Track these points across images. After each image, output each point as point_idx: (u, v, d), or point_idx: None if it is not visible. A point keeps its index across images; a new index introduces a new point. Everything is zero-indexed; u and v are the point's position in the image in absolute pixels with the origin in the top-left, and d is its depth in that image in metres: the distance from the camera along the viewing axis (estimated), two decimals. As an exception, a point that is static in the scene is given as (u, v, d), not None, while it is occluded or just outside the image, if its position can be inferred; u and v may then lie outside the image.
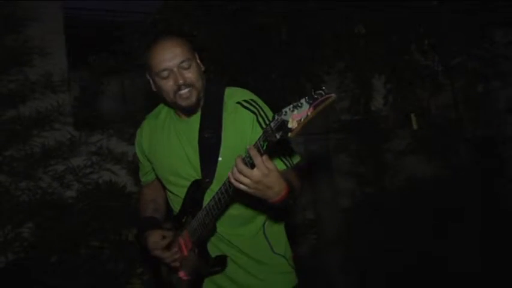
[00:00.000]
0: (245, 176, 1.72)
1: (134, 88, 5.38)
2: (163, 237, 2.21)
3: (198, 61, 2.15)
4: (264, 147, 1.67)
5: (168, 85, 2.06)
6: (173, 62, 2.04)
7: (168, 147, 2.23)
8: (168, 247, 2.21)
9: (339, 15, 4.18)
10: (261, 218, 2.23)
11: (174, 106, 2.16)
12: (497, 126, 5.76)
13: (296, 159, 2.13)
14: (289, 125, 1.54)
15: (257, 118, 2.08)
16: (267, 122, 1.93)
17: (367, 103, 5.17)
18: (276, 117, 1.59)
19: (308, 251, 5.25)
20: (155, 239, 2.20)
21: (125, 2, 5.62)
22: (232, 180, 1.75)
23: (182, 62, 2.05)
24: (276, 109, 1.68)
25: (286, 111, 1.55)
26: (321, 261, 5.05)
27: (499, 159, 5.48)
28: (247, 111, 2.10)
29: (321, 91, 1.50)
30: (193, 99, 2.08)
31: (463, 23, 4.37)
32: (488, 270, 4.71)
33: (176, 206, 2.29)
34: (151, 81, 2.15)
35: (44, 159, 4.42)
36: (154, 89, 2.15)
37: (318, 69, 4.78)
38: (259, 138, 1.69)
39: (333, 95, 1.49)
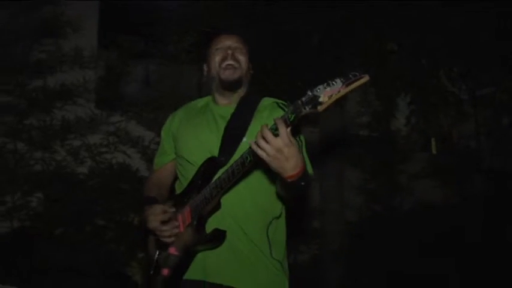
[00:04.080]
0: (268, 142, 1.74)
1: (159, 75, 5.40)
2: (164, 212, 2.16)
3: (250, 65, 2.26)
4: (291, 119, 1.70)
5: (218, 57, 2.19)
6: (230, 42, 2.21)
7: (201, 125, 2.26)
8: (166, 222, 2.16)
9: (373, 29, 4.16)
10: (269, 215, 2.21)
11: (217, 80, 2.23)
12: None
13: (309, 169, 2.09)
14: (320, 99, 1.61)
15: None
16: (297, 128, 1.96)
17: (388, 121, 5.15)
18: (309, 92, 1.64)
19: (309, 260, 5.23)
20: (155, 211, 2.16)
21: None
22: (254, 146, 1.77)
23: (237, 48, 2.21)
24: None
25: (319, 88, 1.61)
26: (320, 272, 5.03)
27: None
28: (281, 110, 2.14)
29: (355, 72, 1.57)
30: (237, 75, 2.20)
31: (495, 54, 4.34)
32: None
33: (182, 188, 2.27)
34: (205, 68, 2.27)
35: (62, 132, 4.46)
36: (205, 74, 2.28)
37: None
38: (287, 111, 1.72)
39: (367, 76, 1.57)
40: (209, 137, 2.21)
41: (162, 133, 2.42)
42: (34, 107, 4.36)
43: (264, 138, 1.74)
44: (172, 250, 2.15)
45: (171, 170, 2.40)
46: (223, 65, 2.19)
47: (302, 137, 2.16)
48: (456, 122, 4.90)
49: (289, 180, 1.81)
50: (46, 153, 4.42)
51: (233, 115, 2.22)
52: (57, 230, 4.15)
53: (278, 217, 2.22)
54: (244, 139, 2.14)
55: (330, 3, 4.40)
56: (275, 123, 1.73)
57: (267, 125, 1.76)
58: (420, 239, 4.90)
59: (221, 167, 2.12)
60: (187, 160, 2.26)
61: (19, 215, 4.25)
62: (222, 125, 2.22)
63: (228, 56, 2.19)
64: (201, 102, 2.40)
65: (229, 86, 2.22)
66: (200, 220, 2.11)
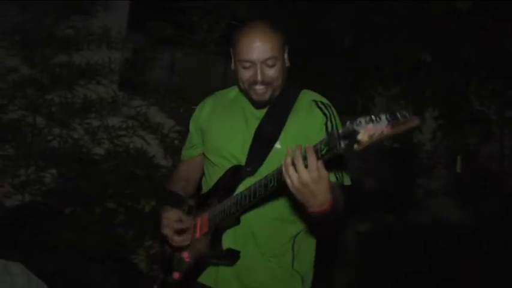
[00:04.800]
0: (296, 170, 1.59)
1: (185, 63, 5.34)
2: (179, 220, 2.08)
3: (286, 56, 2.03)
4: (323, 152, 1.53)
5: (246, 76, 1.97)
6: (259, 56, 1.93)
7: (229, 122, 2.13)
8: (180, 231, 2.09)
9: (407, 38, 4.07)
10: (295, 228, 2.09)
11: (245, 94, 2.07)
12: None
13: (347, 180, 2.01)
14: (359, 137, 1.39)
15: (326, 122, 1.98)
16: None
17: (413, 133, 5.05)
18: (348, 124, 1.43)
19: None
20: (171, 216, 2.07)
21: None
22: (284, 169, 1.62)
23: (268, 59, 1.94)
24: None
25: (360, 121, 1.39)
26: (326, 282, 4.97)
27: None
28: (319, 111, 2.00)
29: (405, 112, 1.36)
30: (267, 96, 2.00)
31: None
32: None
33: (207, 187, 2.19)
34: (232, 59, 2.03)
35: (82, 111, 4.43)
36: (232, 68, 2.04)
37: (373, 89, 4.69)
38: (321, 141, 1.55)
39: (417, 119, 1.37)
40: (237, 140, 2.08)
41: (191, 124, 2.30)
42: (57, 83, 4.33)
43: (294, 165, 1.59)
44: (185, 255, 2.08)
45: (200, 164, 2.29)
46: (253, 88, 1.98)
47: None
48: (482, 142, 4.78)
49: (313, 214, 1.68)
50: (64, 130, 4.40)
51: (265, 116, 2.05)
52: (67, 209, 4.11)
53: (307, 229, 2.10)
54: (277, 145, 2.00)
55: (367, 5, 4.32)
56: (305, 152, 1.57)
57: (300, 148, 1.60)
58: (429, 255, 4.84)
59: (246, 177, 2.01)
60: (212, 161, 2.16)
61: (31, 190, 4.25)
62: (253, 126, 2.07)
63: (256, 76, 1.95)
64: (232, 92, 2.22)
65: (259, 106, 2.05)
66: (216, 233, 2.03)
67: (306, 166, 1.57)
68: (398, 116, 1.35)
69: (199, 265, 2.09)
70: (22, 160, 4.24)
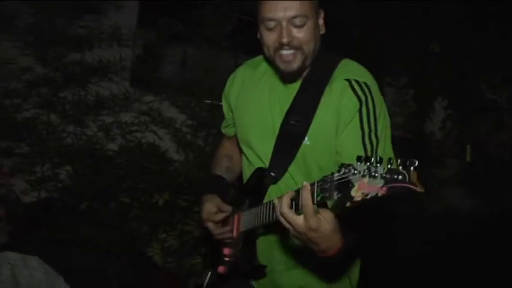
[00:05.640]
0: (287, 221, 1.43)
1: (196, 58, 5.39)
2: (218, 211, 1.94)
3: (320, 21, 1.77)
4: (318, 198, 1.35)
5: (270, 39, 1.72)
6: (284, 13, 1.67)
7: (256, 107, 1.90)
8: (221, 222, 1.97)
9: (416, 28, 4.08)
10: None
11: (271, 64, 1.83)
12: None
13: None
14: (352, 193, 1.21)
15: (360, 108, 1.69)
16: (371, 119, 1.66)
17: (423, 123, 5.06)
18: (343, 170, 1.25)
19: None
20: (211, 209, 1.94)
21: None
22: (278, 214, 1.46)
23: (295, 17, 1.68)
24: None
25: (356, 171, 1.21)
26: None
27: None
28: (353, 94, 1.71)
29: (404, 172, 1.16)
30: (295, 64, 1.73)
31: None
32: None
33: (247, 173, 2.00)
34: (258, 26, 1.78)
35: (95, 108, 4.50)
36: (258, 36, 1.80)
37: (381, 79, 4.70)
38: (318, 181, 1.35)
39: (418, 188, 1.16)
40: (262, 133, 1.87)
41: (223, 100, 2.10)
42: (69, 81, 4.40)
43: (282, 215, 1.43)
44: (226, 251, 1.94)
45: None
46: (278, 54, 1.72)
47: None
48: (493, 131, 4.77)
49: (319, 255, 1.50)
50: (78, 127, 4.48)
51: (292, 105, 1.79)
52: (82, 204, 4.19)
53: None
54: (306, 141, 1.76)
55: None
56: (301, 193, 1.38)
57: (290, 195, 1.43)
58: (441, 244, 4.83)
59: (270, 185, 1.84)
60: (242, 150, 2.00)
61: (47, 186, 4.34)
62: (279, 117, 1.82)
63: (282, 39, 1.68)
64: (262, 65, 1.94)
65: (288, 76, 1.79)
66: (248, 240, 1.89)
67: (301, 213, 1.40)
68: (396, 176, 1.17)
69: (236, 266, 1.93)
70: (38, 157, 4.32)
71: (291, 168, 1.80)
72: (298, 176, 1.80)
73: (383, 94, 5.02)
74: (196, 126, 4.82)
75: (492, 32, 4.21)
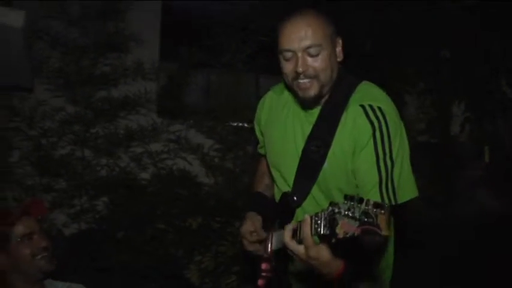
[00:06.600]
0: (290, 249, 1.59)
1: (218, 83, 5.57)
2: (252, 232, 2.01)
3: (338, 49, 1.85)
4: (315, 231, 1.50)
5: (288, 69, 1.82)
6: (299, 44, 1.77)
7: (281, 133, 1.98)
8: (254, 243, 2.05)
9: (425, 36, 4.16)
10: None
11: (292, 91, 1.93)
12: None
13: (410, 193, 1.86)
14: (337, 230, 1.38)
15: (374, 133, 1.76)
16: (385, 143, 1.75)
17: (446, 128, 5.10)
18: (330, 208, 1.41)
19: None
20: (249, 227, 2.01)
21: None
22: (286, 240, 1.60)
23: (309, 47, 1.77)
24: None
25: (340, 211, 1.38)
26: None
27: None
28: (367, 120, 1.78)
29: (373, 218, 1.34)
30: (312, 92, 1.82)
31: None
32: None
33: (276, 195, 2.10)
34: (278, 57, 1.88)
35: (126, 140, 4.69)
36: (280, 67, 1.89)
37: (400, 87, 4.77)
38: (316, 214, 1.49)
39: (383, 233, 1.33)
40: (287, 159, 1.96)
41: (255, 124, 2.20)
42: (99, 117, 4.61)
43: (287, 245, 1.58)
44: (264, 266, 2.00)
45: None
46: (296, 82, 1.82)
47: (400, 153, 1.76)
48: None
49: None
50: (111, 159, 4.67)
51: (312, 130, 1.88)
52: (120, 233, 4.37)
53: None
54: (326, 165, 1.85)
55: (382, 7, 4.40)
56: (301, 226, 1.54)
57: (293, 226, 1.58)
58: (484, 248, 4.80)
59: (295, 209, 1.93)
60: (272, 166, 2.07)
61: (86, 218, 4.52)
62: (301, 142, 1.90)
63: (298, 68, 1.78)
64: (286, 91, 2.02)
65: (307, 103, 1.89)
66: (279, 256, 1.94)
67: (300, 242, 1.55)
68: (369, 219, 1.34)
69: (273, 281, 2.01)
70: (75, 191, 4.51)
71: (314, 190, 1.89)
72: (321, 199, 1.90)
73: (404, 102, 5.10)
74: (224, 149, 4.99)
75: (502, 31, 4.24)
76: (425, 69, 4.33)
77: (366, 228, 1.33)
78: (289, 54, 1.80)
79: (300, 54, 1.77)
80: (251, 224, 2.01)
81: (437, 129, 4.90)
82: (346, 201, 1.37)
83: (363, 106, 1.79)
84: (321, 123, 1.86)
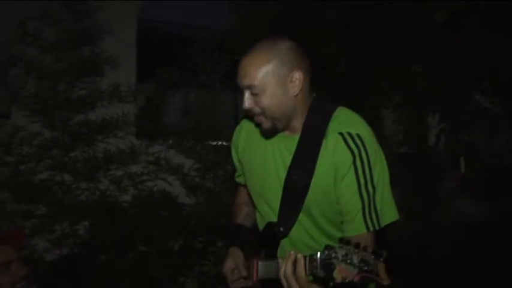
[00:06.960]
0: (288, 283, 1.55)
1: (197, 103, 5.60)
2: (233, 270, 2.00)
3: (291, 84, 1.78)
4: (309, 272, 1.49)
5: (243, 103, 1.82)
6: (241, 83, 1.77)
7: (261, 161, 1.95)
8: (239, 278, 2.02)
9: (397, 53, 4.24)
10: None
11: None
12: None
13: (390, 217, 1.82)
14: (334, 274, 1.36)
15: (354, 160, 1.75)
16: (366, 170, 1.74)
17: (423, 139, 5.17)
18: (327, 252, 1.39)
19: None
20: (231, 265, 2.01)
21: (196, 19, 5.82)
22: (280, 274, 1.57)
23: (249, 87, 1.75)
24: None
25: (337, 256, 1.37)
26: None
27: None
28: (347, 148, 1.76)
29: (372, 266, 1.35)
30: (266, 125, 1.82)
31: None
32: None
33: (259, 224, 2.06)
34: None
35: (105, 163, 4.68)
36: None
37: (376, 102, 4.83)
38: (311, 255, 1.48)
39: (384, 281, 1.35)
40: (269, 188, 1.92)
41: (232, 150, 2.15)
42: (77, 141, 4.60)
43: (284, 277, 1.55)
44: None
45: None
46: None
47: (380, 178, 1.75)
48: (489, 137, 4.86)
49: None
50: (91, 183, 4.65)
51: (293, 159, 1.84)
52: (102, 257, 4.35)
53: None
54: (309, 194, 1.83)
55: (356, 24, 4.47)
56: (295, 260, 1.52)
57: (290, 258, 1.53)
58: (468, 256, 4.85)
59: (281, 239, 1.90)
60: (254, 195, 2.04)
61: (67, 243, 4.48)
62: (283, 172, 1.86)
63: (243, 104, 1.79)
64: None
65: (269, 136, 1.88)
66: (265, 286, 1.89)
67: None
68: (367, 268, 1.34)
69: None
70: (56, 216, 4.46)
71: (301, 218, 1.86)
72: (308, 225, 1.89)
73: (381, 117, 5.14)
74: (204, 169, 5.00)
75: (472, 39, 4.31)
76: (400, 83, 4.40)
77: (366, 277, 1.33)
78: (242, 89, 1.80)
79: (245, 92, 1.77)
80: (232, 262, 2.00)
81: (415, 141, 4.95)
82: (342, 246, 1.36)
83: (341, 134, 1.77)
84: (301, 152, 1.83)
